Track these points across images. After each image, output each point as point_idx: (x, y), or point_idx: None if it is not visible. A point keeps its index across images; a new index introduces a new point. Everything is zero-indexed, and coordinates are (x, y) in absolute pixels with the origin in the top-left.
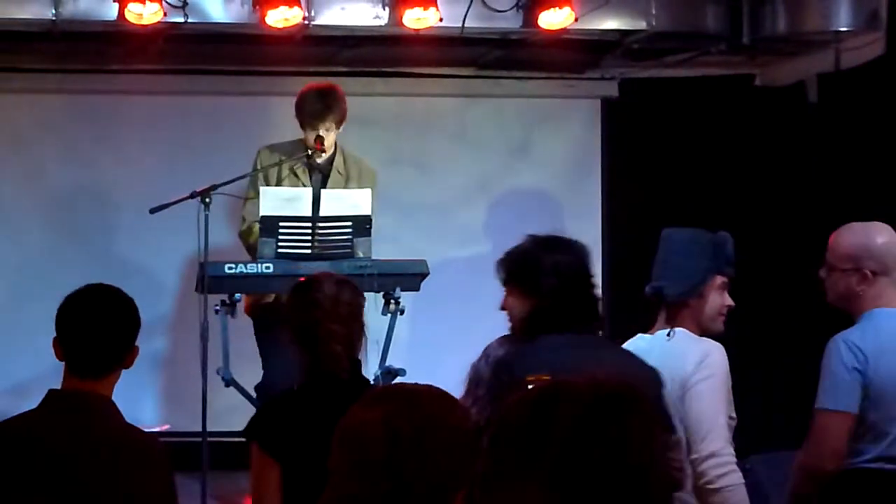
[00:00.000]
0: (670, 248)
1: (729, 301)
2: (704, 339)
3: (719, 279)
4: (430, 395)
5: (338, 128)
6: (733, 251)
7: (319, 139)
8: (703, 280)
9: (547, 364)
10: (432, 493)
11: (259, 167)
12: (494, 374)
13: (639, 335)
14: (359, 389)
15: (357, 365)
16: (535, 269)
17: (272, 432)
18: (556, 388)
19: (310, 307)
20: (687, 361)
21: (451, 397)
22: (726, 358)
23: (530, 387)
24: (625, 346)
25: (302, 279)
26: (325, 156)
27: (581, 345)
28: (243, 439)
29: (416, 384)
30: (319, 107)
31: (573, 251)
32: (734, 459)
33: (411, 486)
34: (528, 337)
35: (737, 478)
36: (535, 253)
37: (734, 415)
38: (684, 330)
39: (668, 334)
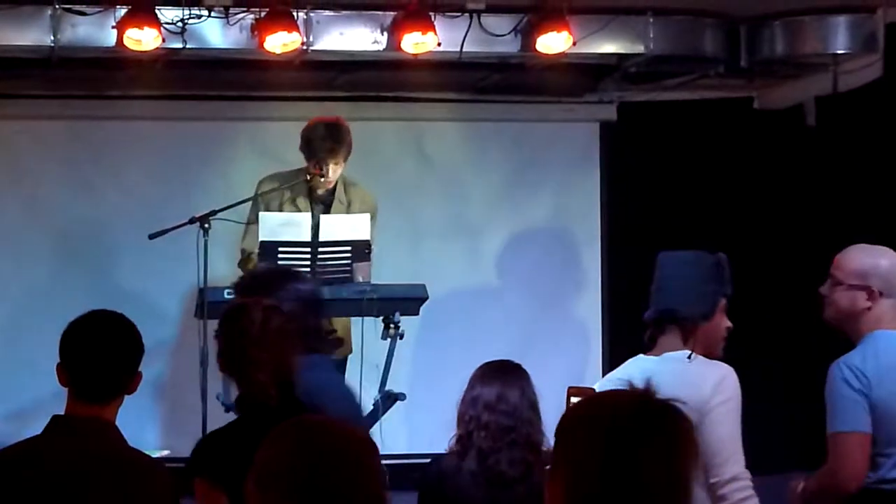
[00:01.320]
0: (675, 271)
1: (729, 324)
2: (718, 362)
3: (723, 301)
4: (338, 426)
5: (344, 161)
6: (730, 271)
7: (323, 170)
8: (715, 303)
9: (327, 382)
10: None
11: (259, 195)
12: None
13: (640, 356)
14: (289, 414)
15: (288, 389)
16: (277, 294)
17: (215, 463)
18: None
19: (236, 335)
20: (704, 385)
21: (360, 430)
22: (738, 381)
23: (574, 400)
24: (626, 365)
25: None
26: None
27: (335, 366)
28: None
29: (322, 416)
30: (330, 144)
31: (308, 281)
32: (751, 484)
33: None
34: None
35: (756, 502)
36: (275, 279)
37: None
38: (687, 352)
39: (689, 357)
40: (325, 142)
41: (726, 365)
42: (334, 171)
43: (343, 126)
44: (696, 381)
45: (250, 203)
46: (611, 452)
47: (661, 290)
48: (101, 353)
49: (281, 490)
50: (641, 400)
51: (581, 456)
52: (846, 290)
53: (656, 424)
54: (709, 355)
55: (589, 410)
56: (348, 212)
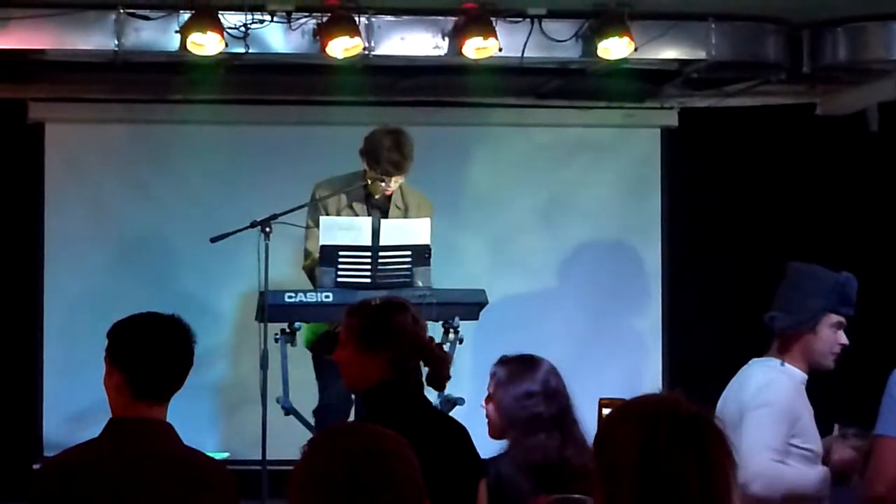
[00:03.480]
0: (790, 282)
1: (843, 340)
2: (778, 369)
3: (834, 317)
4: (383, 431)
5: (406, 173)
6: (855, 292)
7: (386, 182)
8: (815, 317)
9: None
10: None
11: (318, 199)
12: None
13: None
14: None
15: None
16: None
17: None
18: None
19: (410, 319)
20: (748, 388)
21: (399, 436)
22: (792, 391)
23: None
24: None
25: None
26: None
27: None
28: None
29: (363, 423)
30: (397, 157)
31: None
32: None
33: None
34: None
35: None
36: None
37: (809, 445)
38: (778, 360)
39: (782, 364)
40: (391, 153)
41: (785, 375)
42: (396, 182)
43: (409, 139)
44: (746, 383)
45: (308, 207)
46: (643, 462)
47: (775, 299)
48: (165, 351)
49: (325, 491)
50: (671, 410)
51: (614, 466)
52: None
53: (684, 432)
54: (812, 367)
55: (620, 421)
56: (405, 216)
